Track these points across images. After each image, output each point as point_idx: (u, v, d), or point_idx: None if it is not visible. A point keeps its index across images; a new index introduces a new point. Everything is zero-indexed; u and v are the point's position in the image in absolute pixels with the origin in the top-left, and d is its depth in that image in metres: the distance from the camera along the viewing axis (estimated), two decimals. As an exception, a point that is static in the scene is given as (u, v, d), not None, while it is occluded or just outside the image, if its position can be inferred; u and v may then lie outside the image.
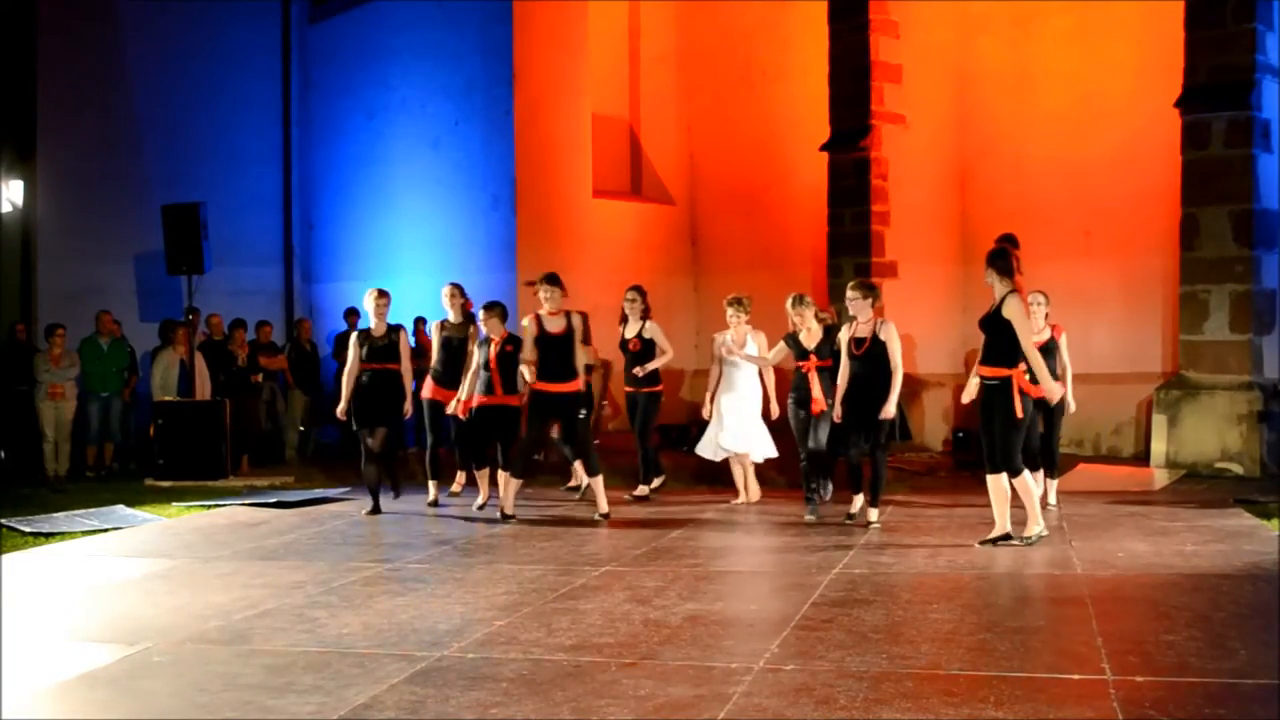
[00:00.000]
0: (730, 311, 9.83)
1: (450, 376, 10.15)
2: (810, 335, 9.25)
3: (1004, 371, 7.64)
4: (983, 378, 7.82)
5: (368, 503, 9.81)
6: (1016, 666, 5.03)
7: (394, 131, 17.03)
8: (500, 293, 14.70)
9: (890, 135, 14.11)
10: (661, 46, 17.48)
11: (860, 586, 6.68)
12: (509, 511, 9.28)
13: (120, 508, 10.25)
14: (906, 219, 14.20)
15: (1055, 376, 8.49)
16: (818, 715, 4.45)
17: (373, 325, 9.68)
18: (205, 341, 13.83)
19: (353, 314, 15.07)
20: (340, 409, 9.78)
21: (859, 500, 8.96)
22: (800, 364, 9.25)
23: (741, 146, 16.81)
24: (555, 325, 9.27)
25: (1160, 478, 11.29)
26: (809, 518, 9.02)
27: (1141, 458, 12.36)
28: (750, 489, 10.07)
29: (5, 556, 8.08)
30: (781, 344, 9.44)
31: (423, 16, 16.56)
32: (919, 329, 13.48)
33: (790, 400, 9.33)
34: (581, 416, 9.54)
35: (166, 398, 12.91)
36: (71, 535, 9.03)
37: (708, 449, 10.09)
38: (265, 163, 18.07)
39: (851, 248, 14.13)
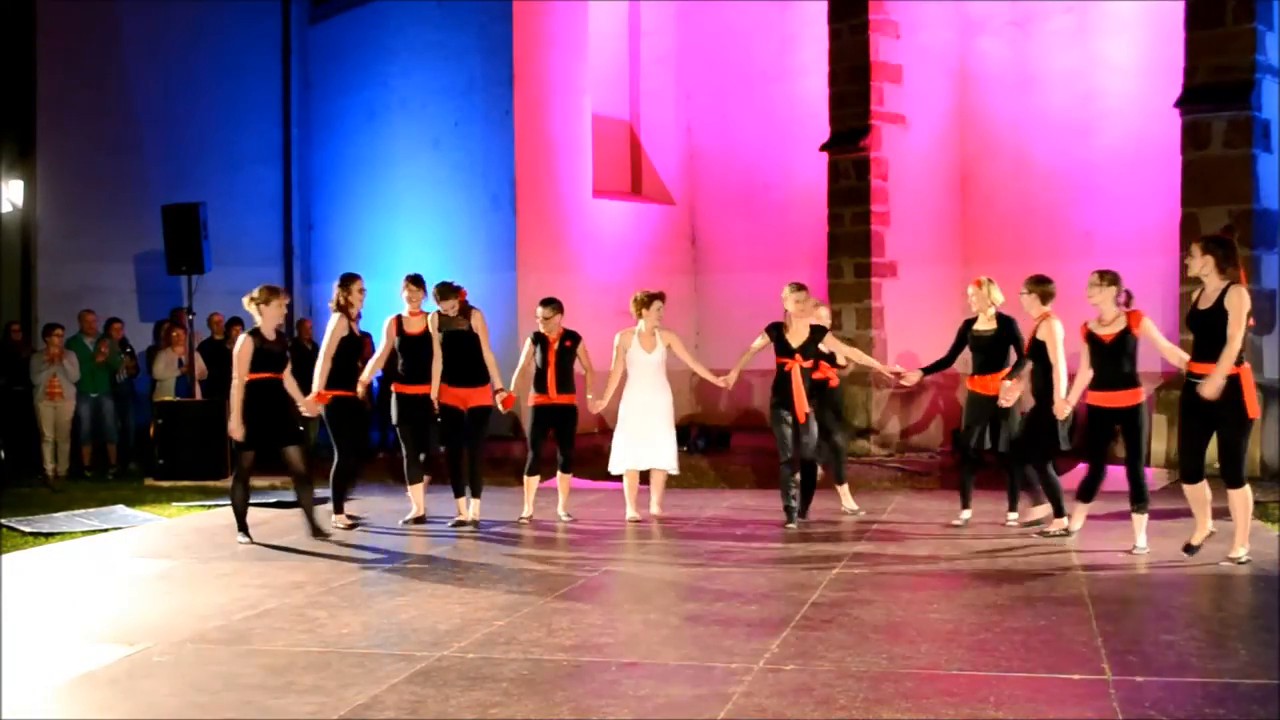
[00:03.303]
0: (634, 310, 9.26)
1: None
2: (796, 332, 8.72)
3: (1231, 369, 6.84)
4: (1196, 376, 6.94)
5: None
6: (1016, 666, 5.03)
7: (394, 131, 17.03)
8: (501, 292, 14.80)
9: (890, 135, 14.10)
10: (661, 46, 17.48)
11: (860, 586, 6.68)
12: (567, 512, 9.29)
13: (120, 508, 10.24)
14: (906, 219, 14.19)
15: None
16: (818, 715, 4.45)
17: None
18: (205, 341, 13.82)
19: (352, 314, 15.02)
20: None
21: (1031, 510, 8.45)
22: (783, 360, 8.66)
23: (741, 146, 16.80)
24: (415, 326, 9.14)
25: (1160, 478, 11.25)
26: (790, 527, 8.67)
27: (1141, 458, 12.31)
28: (658, 500, 9.35)
29: (5, 556, 8.08)
30: (763, 335, 8.80)
31: (423, 16, 16.56)
32: (919, 329, 13.45)
33: (772, 402, 8.74)
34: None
35: (166, 397, 12.90)
36: (71, 535, 9.03)
37: (620, 462, 9.28)
38: (265, 163, 18.08)
39: (851, 248, 14.11)
